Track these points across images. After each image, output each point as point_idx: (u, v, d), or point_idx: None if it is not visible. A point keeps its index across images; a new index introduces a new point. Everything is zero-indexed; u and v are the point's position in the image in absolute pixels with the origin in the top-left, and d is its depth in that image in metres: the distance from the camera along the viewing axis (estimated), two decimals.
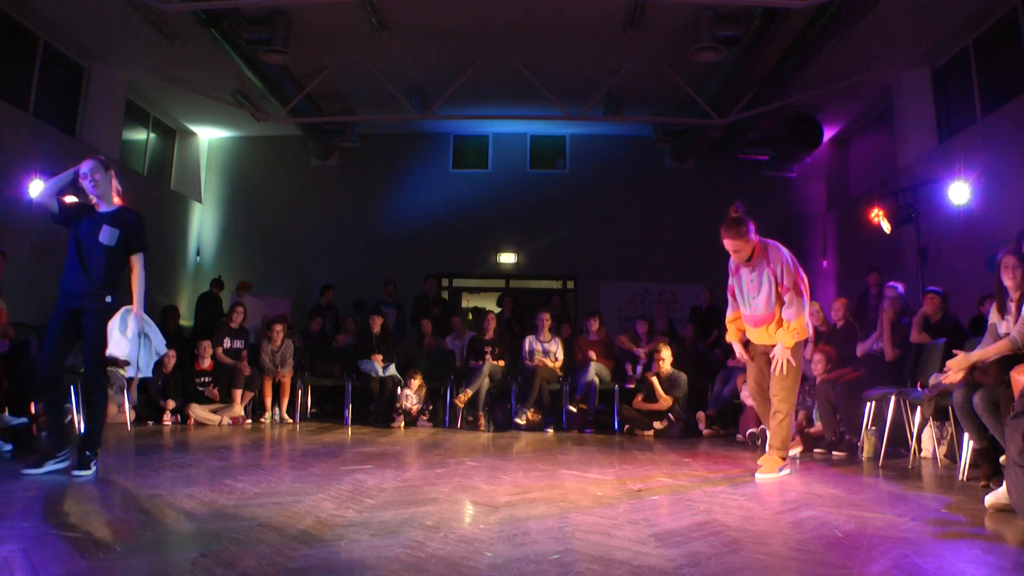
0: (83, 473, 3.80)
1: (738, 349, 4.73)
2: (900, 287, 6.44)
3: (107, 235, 4.05)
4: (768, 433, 4.64)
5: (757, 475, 4.35)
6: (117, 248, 4.09)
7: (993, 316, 4.07)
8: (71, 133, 9.29)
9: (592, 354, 7.94)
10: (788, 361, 4.36)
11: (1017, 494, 2.99)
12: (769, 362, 4.50)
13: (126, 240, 4.12)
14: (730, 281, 4.63)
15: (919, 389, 4.94)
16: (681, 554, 2.44)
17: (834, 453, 5.73)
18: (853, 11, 7.27)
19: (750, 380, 4.76)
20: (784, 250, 4.47)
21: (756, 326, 4.53)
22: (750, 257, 4.41)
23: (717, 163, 11.85)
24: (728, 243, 4.39)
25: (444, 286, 12.20)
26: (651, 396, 7.35)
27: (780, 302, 4.39)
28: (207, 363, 7.65)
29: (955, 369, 3.87)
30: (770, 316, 4.42)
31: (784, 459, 4.55)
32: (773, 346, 4.46)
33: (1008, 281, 3.93)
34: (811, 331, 4.88)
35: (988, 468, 3.92)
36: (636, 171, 12.17)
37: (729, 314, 4.73)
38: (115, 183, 4.26)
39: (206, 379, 7.58)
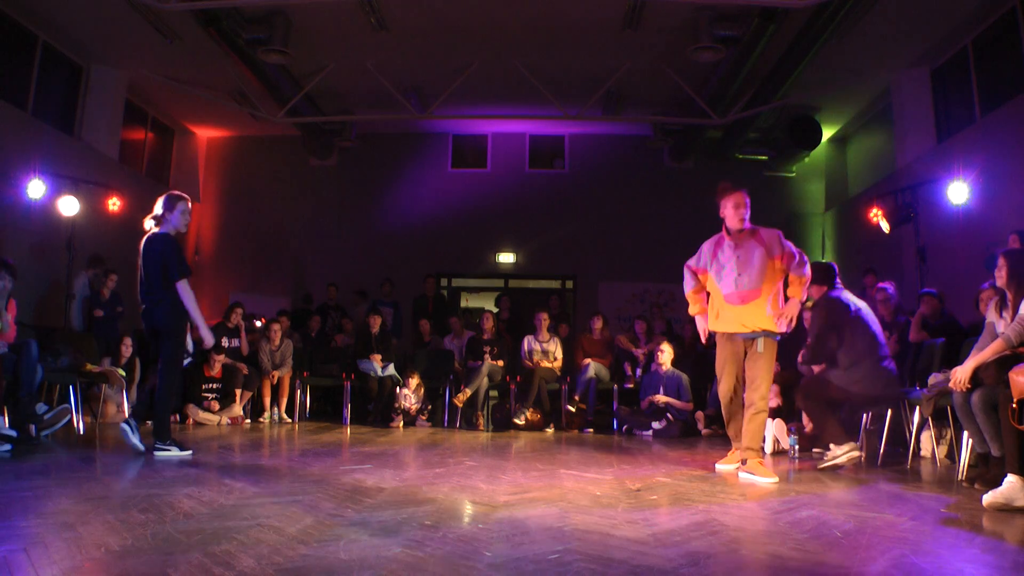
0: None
1: (701, 323, 4.68)
2: (890, 287, 6.47)
3: None
4: (743, 432, 4.45)
5: (761, 481, 4.20)
6: None
7: (991, 315, 4.09)
8: (70, 132, 9.29)
9: (588, 360, 7.92)
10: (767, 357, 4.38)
11: None
12: (743, 357, 4.48)
13: None
14: (701, 261, 4.60)
15: (918, 389, 4.94)
16: (680, 554, 2.44)
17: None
18: (852, 11, 7.27)
19: (727, 377, 4.56)
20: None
21: (743, 302, 4.39)
22: (742, 229, 4.42)
23: (716, 163, 11.85)
24: (739, 198, 4.42)
25: (443, 286, 12.20)
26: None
27: (771, 277, 4.39)
28: (217, 369, 7.52)
29: (963, 379, 3.87)
30: (758, 291, 4.36)
31: (763, 460, 4.47)
32: (752, 333, 4.40)
33: (999, 281, 3.98)
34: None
35: (984, 470, 3.93)
36: (635, 171, 12.18)
37: (690, 289, 4.69)
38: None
39: (214, 385, 7.49)
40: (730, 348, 4.54)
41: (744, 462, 4.37)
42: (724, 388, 4.61)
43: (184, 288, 4.78)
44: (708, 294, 4.67)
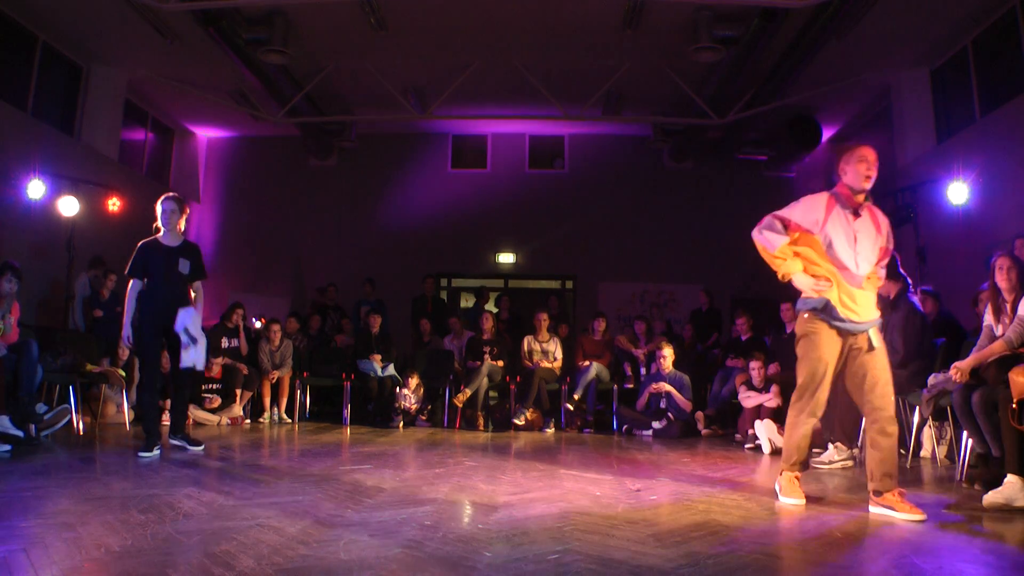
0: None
1: (807, 280, 3.48)
2: None
3: (184, 266, 5.11)
4: (878, 460, 3.31)
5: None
6: (189, 276, 5.17)
7: (988, 317, 4.09)
8: (70, 133, 9.28)
9: (590, 360, 7.90)
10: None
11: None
12: (849, 357, 3.47)
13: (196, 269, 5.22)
14: (808, 220, 3.48)
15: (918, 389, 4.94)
16: (680, 554, 2.44)
17: None
18: (852, 11, 7.27)
19: (828, 384, 3.50)
20: None
21: (858, 287, 3.48)
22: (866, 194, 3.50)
23: (716, 163, 11.84)
24: (865, 152, 3.46)
25: (443, 286, 12.21)
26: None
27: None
28: (216, 370, 7.44)
29: (964, 369, 3.90)
30: (867, 278, 3.53)
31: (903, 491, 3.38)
32: (866, 324, 3.44)
33: (1002, 282, 3.97)
34: None
35: (984, 470, 3.93)
36: (635, 171, 12.18)
37: (780, 244, 3.48)
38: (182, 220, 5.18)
39: (214, 385, 7.42)
40: (837, 344, 3.47)
41: (878, 493, 3.27)
42: (823, 397, 3.50)
43: (129, 287, 5.05)
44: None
